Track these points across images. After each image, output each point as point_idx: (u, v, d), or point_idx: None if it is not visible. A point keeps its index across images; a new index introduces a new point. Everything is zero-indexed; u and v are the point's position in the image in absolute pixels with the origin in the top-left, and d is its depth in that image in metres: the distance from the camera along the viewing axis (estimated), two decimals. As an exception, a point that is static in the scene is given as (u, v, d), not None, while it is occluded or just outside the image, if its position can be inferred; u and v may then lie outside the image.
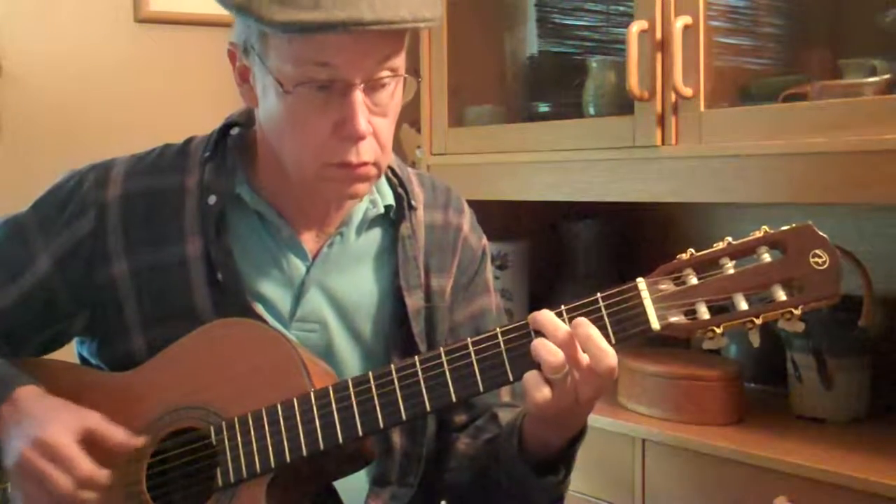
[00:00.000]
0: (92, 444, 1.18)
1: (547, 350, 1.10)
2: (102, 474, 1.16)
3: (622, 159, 1.84)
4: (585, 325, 1.10)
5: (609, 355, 1.10)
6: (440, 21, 1.21)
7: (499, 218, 2.07)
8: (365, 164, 1.20)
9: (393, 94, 1.21)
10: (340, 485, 1.26)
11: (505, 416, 1.35)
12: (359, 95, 1.16)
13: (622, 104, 1.86)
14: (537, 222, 2.38)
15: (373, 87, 1.18)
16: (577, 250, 2.29)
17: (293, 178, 1.24)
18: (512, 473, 1.23)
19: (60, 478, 1.14)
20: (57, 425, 1.16)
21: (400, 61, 1.20)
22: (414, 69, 1.25)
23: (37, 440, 1.15)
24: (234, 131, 1.33)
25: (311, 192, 1.25)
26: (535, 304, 2.31)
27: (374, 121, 1.19)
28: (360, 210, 1.32)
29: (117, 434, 1.19)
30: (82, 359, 1.38)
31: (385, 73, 1.18)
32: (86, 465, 1.15)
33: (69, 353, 1.38)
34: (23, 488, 1.17)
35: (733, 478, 1.62)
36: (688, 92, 1.71)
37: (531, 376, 1.11)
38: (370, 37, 1.14)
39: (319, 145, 1.18)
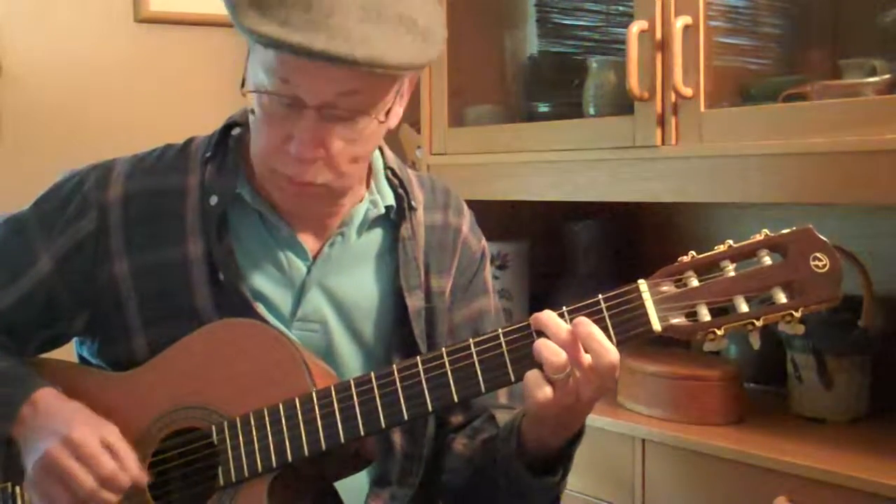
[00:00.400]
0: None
1: (549, 350, 1.10)
2: (124, 475, 1.18)
3: (622, 159, 1.84)
4: (586, 324, 1.11)
5: (610, 353, 1.10)
6: (416, 69, 1.18)
7: (499, 218, 2.07)
8: (308, 184, 1.20)
9: (361, 129, 1.19)
10: (341, 485, 1.26)
11: (503, 416, 1.35)
12: (310, 118, 1.16)
13: (622, 104, 1.86)
14: (537, 222, 2.38)
15: (333, 115, 1.17)
16: (577, 250, 2.29)
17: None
18: (509, 473, 1.23)
19: (84, 477, 1.16)
20: (83, 426, 1.18)
21: (374, 100, 1.18)
22: (385, 113, 1.22)
23: (64, 439, 1.17)
24: (235, 131, 1.34)
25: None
26: (535, 304, 2.32)
27: (332, 146, 1.18)
28: (360, 210, 1.32)
29: (129, 458, 1.19)
30: (82, 359, 1.38)
31: (351, 104, 1.17)
32: (110, 464, 1.17)
33: (69, 352, 1.38)
34: (43, 487, 1.18)
35: (733, 478, 1.62)
36: (688, 92, 1.71)
37: (533, 376, 1.12)
38: (330, 67, 1.11)
39: (271, 151, 1.21)
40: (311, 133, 1.17)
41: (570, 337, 1.10)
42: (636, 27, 1.75)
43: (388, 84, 1.19)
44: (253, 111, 1.23)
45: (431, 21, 1.19)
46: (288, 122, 1.18)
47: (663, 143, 1.77)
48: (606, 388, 1.13)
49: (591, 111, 1.99)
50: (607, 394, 1.17)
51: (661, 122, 1.76)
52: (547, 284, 2.31)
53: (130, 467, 1.19)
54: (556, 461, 1.23)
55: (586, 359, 1.10)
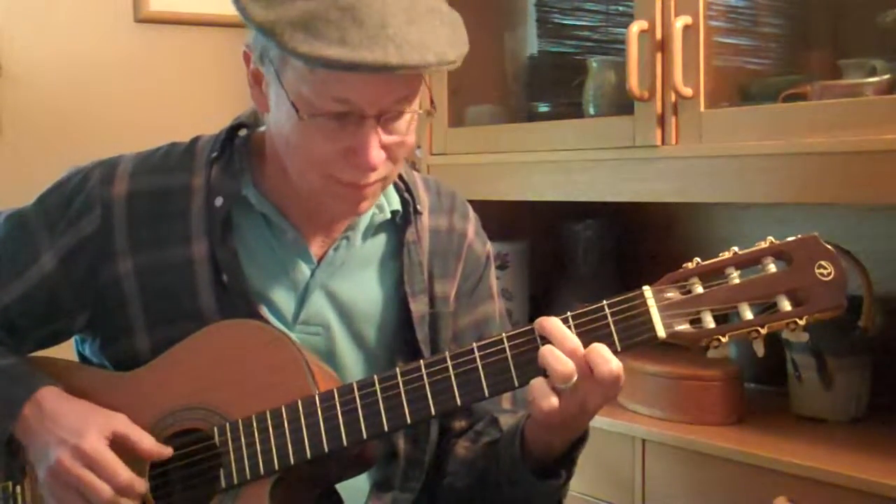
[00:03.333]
0: (117, 446, 1.20)
1: (556, 359, 1.10)
2: (140, 482, 1.19)
3: (622, 159, 1.83)
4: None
5: (614, 365, 1.10)
6: (462, 58, 1.20)
7: (499, 218, 2.06)
8: (372, 184, 1.20)
9: (409, 122, 1.20)
10: (342, 488, 1.27)
11: (506, 420, 1.35)
12: (371, 127, 1.16)
13: (622, 104, 1.86)
14: (537, 222, 2.38)
15: (387, 118, 1.17)
16: (577, 250, 2.29)
17: (298, 189, 1.24)
18: (513, 477, 1.23)
19: (101, 486, 1.17)
20: (92, 432, 1.19)
21: (417, 94, 1.20)
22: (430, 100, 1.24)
23: (75, 449, 1.17)
24: (242, 132, 1.33)
25: (316, 201, 1.26)
26: (536, 304, 2.32)
27: (388, 143, 1.18)
28: (366, 215, 1.32)
29: (146, 441, 1.21)
30: (83, 358, 1.38)
31: (402, 107, 1.17)
32: (126, 473, 1.18)
33: (68, 351, 1.38)
34: (57, 494, 1.19)
35: (733, 478, 1.62)
36: (688, 92, 1.71)
37: (538, 384, 1.11)
38: (393, 78, 1.13)
39: (328, 164, 1.18)
40: (376, 140, 1.16)
41: (576, 346, 1.10)
42: (636, 27, 1.75)
43: (423, 80, 1.20)
44: (273, 124, 1.22)
45: (445, 5, 1.20)
46: (344, 134, 1.16)
47: (663, 143, 1.77)
48: (611, 396, 1.13)
49: (591, 111, 1.99)
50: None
51: (661, 122, 1.76)
52: (547, 284, 2.31)
53: (151, 450, 1.20)
54: (560, 465, 1.23)
55: (591, 369, 1.10)
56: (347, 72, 1.10)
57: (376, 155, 1.16)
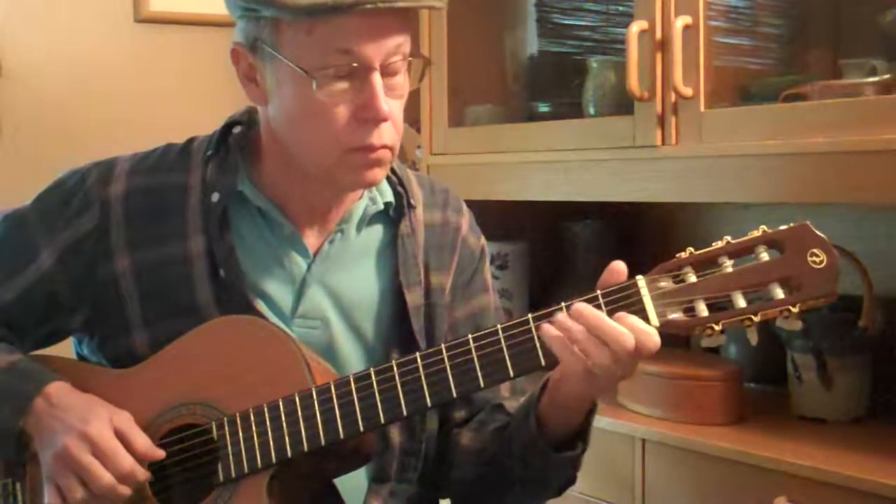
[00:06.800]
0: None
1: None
2: (141, 470, 1.20)
3: (622, 159, 1.83)
4: (625, 317, 1.12)
5: (656, 338, 1.12)
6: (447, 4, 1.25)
7: (499, 218, 2.07)
8: (385, 146, 1.22)
9: (404, 78, 1.24)
10: (340, 484, 1.27)
11: (511, 404, 1.36)
12: (378, 78, 1.19)
13: (622, 104, 1.86)
14: (537, 222, 2.38)
15: (388, 71, 1.20)
16: (577, 250, 2.29)
17: (310, 171, 1.25)
18: (527, 456, 1.24)
19: (102, 473, 1.17)
20: (97, 420, 1.19)
21: (409, 45, 1.23)
22: (422, 53, 1.28)
23: (81, 434, 1.18)
24: (236, 130, 1.34)
25: (321, 185, 1.27)
26: (536, 304, 2.32)
27: (390, 103, 1.21)
28: (360, 207, 1.33)
29: (140, 441, 1.21)
30: (81, 358, 1.38)
31: (399, 56, 1.21)
32: (128, 460, 1.19)
33: (66, 353, 1.38)
34: (60, 480, 1.20)
35: (733, 478, 1.62)
36: (688, 92, 1.71)
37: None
38: (388, 20, 1.17)
39: (341, 131, 1.20)
40: (382, 90, 1.19)
41: (627, 340, 1.11)
42: (636, 27, 1.75)
43: (414, 27, 1.24)
44: (276, 110, 1.24)
45: None
46: (351, 93, 1.19)
47: (663, 143, 1.77)
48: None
49: (591, 111, 1.99)
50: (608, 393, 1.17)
51: (661, 122, 1.76)
52: (547, 284, 2.31)
53: (145, 451, 1.20)
54: (575, 436, 1.24)
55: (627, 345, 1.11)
56: (350, 12, 1.13)
57: (381, 105, 1.19)
